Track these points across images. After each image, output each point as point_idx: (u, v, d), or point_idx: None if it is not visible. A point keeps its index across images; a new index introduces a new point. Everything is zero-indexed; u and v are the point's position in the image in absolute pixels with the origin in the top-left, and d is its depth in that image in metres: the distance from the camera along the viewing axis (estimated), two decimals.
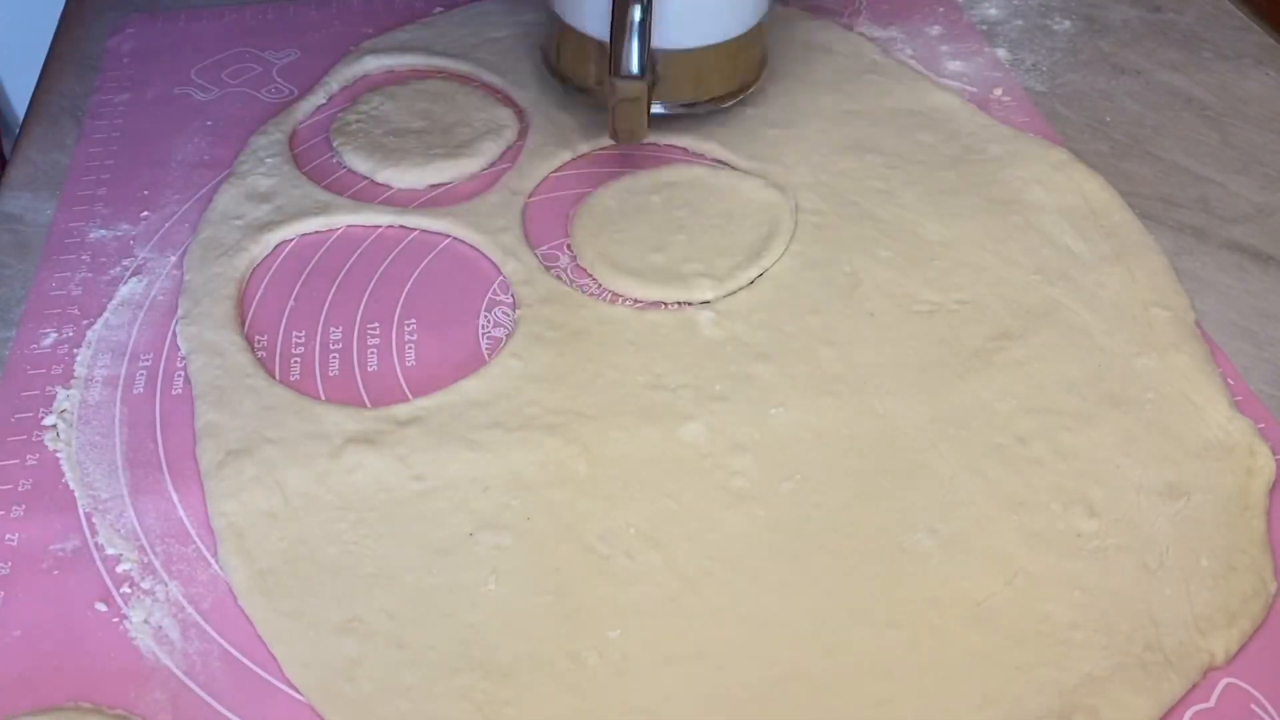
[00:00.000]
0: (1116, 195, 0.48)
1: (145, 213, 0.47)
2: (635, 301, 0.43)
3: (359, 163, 0.49)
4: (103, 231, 0.46)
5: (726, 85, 0.49)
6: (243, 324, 0.42)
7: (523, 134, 0.52)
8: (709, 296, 0.43)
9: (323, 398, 0.39)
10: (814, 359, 0.40)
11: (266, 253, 0.45)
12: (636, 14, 0.42)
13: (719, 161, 0.50)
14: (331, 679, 0.31)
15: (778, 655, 0.32)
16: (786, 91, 0.53)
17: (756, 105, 0.52)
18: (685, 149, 0.50)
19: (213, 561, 0.34)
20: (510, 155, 0.51)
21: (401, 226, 0.47)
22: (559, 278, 0.44)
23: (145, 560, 0.34)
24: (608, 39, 0.43)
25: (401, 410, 0.38)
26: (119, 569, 0.34)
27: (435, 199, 0.48)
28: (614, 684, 0.31)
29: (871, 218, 0.46)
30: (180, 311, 0.42)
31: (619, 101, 0.44)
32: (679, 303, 0.43)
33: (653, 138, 0.51)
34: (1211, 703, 0.31)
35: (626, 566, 0.34)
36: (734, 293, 0.43)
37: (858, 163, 0.49)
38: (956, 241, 0.45)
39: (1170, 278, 0.44)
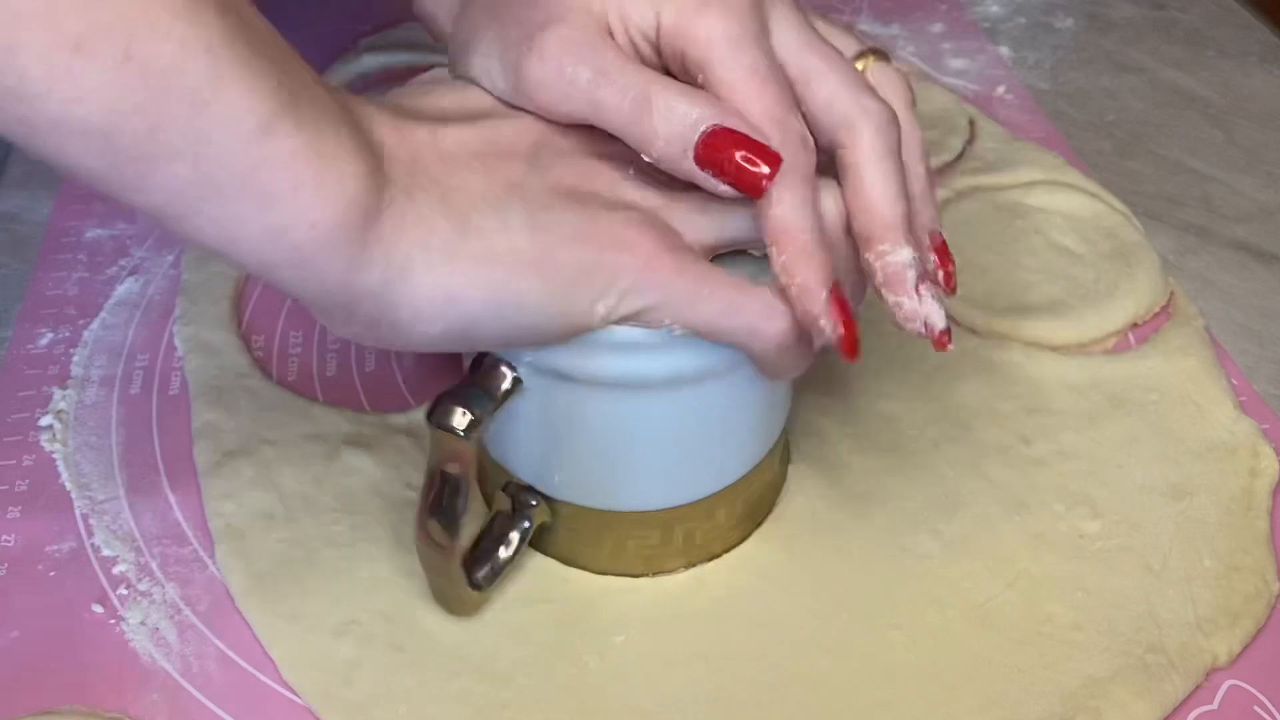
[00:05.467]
0: (1109, 203, 0.47)
1: None
2: None
3: None
4: (99, 231, 0.46)
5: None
6: (240, 324, 0.42)
7: None
8: None
9: (320, 398, 0.39)
10: (818, 369, 0.40)
11: None
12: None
13: None
14: (329, 682, 0.31)
15: (779, 657, 0.32)
16: None
17: None
18: None
19: (209, 563, 0.34)
20: None
21: None
22: None
23: (142, 562, 0.34)
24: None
25: (397, 418, 0.38)
26: (115, 570, 0.34)
27: None
28: (614, 687, 0.31)
29: None
30: (177, 311, 0.42)
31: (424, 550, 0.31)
32: None
33: None
34: (1215, 705, 0.31)
35: None
36: None
37: None
38: (963, 245, 0.45)
39: (1170, 278, 0.44)
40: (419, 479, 0.36)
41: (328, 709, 0.30)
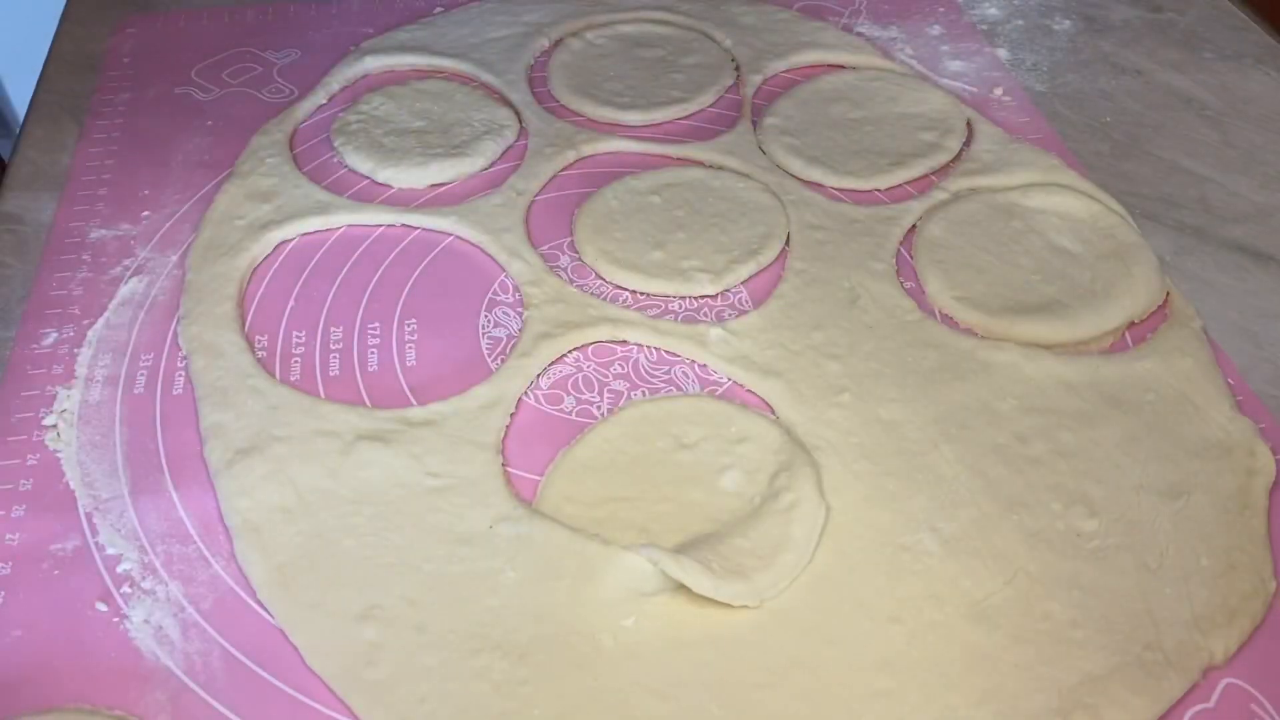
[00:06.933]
0: (1106, 204, 0.47)
1: (146, 212, 0.47)
2: (640, 299, 0.43)
3: (359, 162, 0.49)
4: (103, 231, 0.46)
5: None
6: (243, 324, 0.42)
7: (523, 134, 0.52)
8: (708, 291, 0.43)
9: (323, 397, 0.39)
10: (821, 374, 0.40)
11: (267, 252, 0.45)
12: None
13: (725, 168, 0.50)
14: (353, 664, 0.31)
15: (782, 644, 0.32)
16: (799, 104, 0.54)
17: (772, 115, 0.52)
18: (702, 162, 0.50)
19: (213, 561, 0.34)
20: (511, 155, 0.51)
21: (403, 226, 0.47)
22: (560, 277, 0.44)
23: (146, 560, 0.34)
24: None
25: (415, 412, 0.38)
26: (119, 569, 0.34)
27: (435, 199, 0.48)
28: (626, 665, 0.31)
29: (871, 235, 0.46)
30: (181, 311, 0.42)
31: None
32: (681, 298, 0.43)
33: (663, 149, 0.51)
34: (1211, 703, 0.31)
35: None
36: (743, 314, 0.43)
37: (865, 164, 0.49)
38: (961, 246, 0.45)
39: (1167, 279, 0.44)
40: (442, 467, 0.36)
41: (351, 690, 0.31)
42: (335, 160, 0.50)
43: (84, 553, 0.34)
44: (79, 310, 0.43)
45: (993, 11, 0.62)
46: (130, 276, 0.44)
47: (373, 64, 0.56)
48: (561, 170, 0.50)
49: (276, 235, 0.46)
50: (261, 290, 0.44)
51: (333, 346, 0.42)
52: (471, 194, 0.48)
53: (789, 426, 0.38)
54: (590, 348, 0.42)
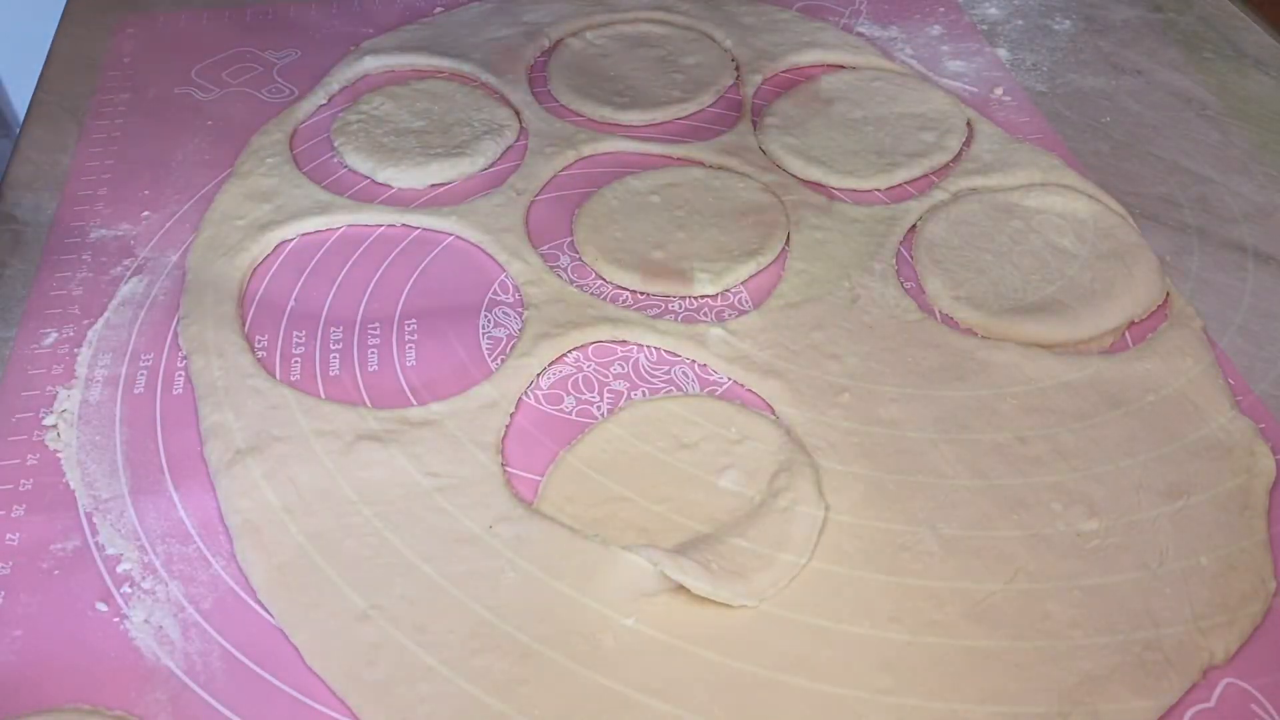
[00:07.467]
0: (1106, 204, 0.47)
1: (146, 212, 0.47)
2: (640, 299, 0.43)
3: (359, 162, 0.49)
4: (104, 231, 0.46)
5: None
6: (243, 324, 0.42)
7: (523, 134, 0.52)
8: (708, 291, 0.43)
9: (323, 397, 0.39)
10: (821, 373, 0.40)
11: (267, 252, 0.45)
12: None
13: (725, 168, 0.50)
14: (353, 664, 0.31)
15: (782, 644, 0.32)
16: (799, 104, 0.54)
17: (772, 115, 0.52)
18: (702, 162, 0.50)
19: (213, 561, 0.34)
20: (511, 155, 0.51)
21: (403, 226, 0.47)
22: (560, 277, 0.44)
23: (146, 560, 0.34)
24: None
25: (414, 412, 0.38)
26: (119, 569, 0.34)
27: (435, 199, 0.48)
28: (626, 666, 0.31)
29: (871, 235, 0.46)
30: (181, 311, 0.42)
31: None
32: (681, 298, 0.43)
33: (663, 149, 0.51)
34: (1211, 703, 0.31)
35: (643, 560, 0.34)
36: (743, 314, 0.43)
37: (865, 164, 0.49)
38: (961, 246, 0.45)
39: (1168, 279, 0.44)
40: (442, 467, 0.36)
41: (351, 690, 0.31)
42: (335, 160, 0.50)
43: (84, 553, 0.34)
44: (79, 310, 0.43)
45: (993, 11, 0.62)
46: (130, 276, 0.44)
47: (373, 64, 0.56)
48: (561, 170, 0.50)
49: (276, 235, 0.46)
50: (261, 290, 0.44)
51: (333, 346, 0.42)
52: (471, 194, 0.48)
53: (789, 426, 0.38)
54: (590, 348, 0.42)
